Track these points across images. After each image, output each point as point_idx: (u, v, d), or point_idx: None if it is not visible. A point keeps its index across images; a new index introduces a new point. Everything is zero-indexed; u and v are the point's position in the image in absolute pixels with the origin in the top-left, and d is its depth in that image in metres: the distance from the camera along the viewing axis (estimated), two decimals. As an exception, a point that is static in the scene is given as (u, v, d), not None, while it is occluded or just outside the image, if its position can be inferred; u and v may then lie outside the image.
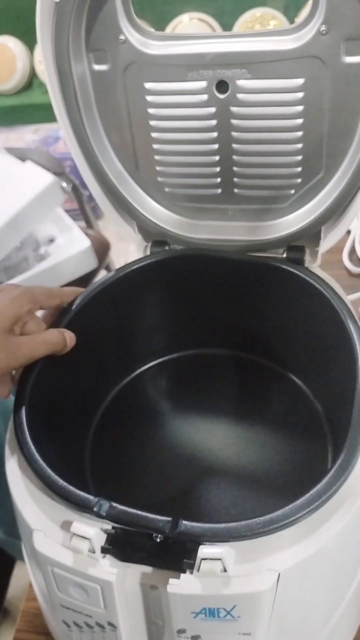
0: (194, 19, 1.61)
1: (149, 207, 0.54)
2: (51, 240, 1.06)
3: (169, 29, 1.66)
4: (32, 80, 2.03)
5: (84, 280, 1.02)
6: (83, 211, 1.26)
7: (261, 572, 0.33)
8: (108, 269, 1.24)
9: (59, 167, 1.11)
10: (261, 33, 0.44)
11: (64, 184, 1.10)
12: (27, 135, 1.94)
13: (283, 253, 0.52)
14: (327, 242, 0.51)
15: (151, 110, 0.49)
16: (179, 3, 1.63)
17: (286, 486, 0.49)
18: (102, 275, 0.65)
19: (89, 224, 1.29)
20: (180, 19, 1.65)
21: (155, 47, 0.46)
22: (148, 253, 0.56)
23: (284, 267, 0.51)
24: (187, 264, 0.55)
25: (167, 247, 0.56)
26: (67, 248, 1.00)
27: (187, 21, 1.63)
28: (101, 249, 1.19)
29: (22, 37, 1.95)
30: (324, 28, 0.42)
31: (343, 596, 0.39)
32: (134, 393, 0.60)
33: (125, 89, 0.48)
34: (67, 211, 1.08)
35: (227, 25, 1.61)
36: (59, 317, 0.49)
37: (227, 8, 1.59)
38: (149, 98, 0.48)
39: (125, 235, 0.57)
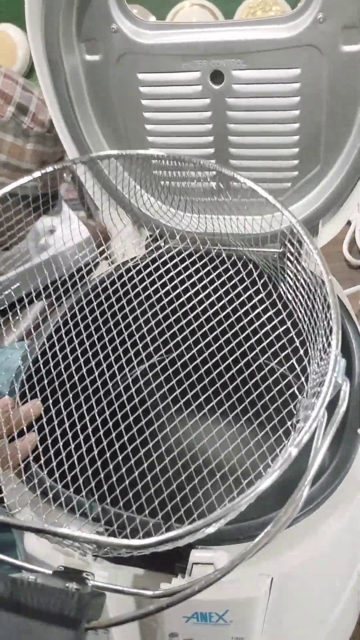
0: (195, 5, 1.58)
1: (144, 201, 0.53)
2: (51, 231, 1.06)
3: (170, 16, 1.64)
4: (33, 68, 2.01)
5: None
6: (83, 201, 1.25)
7: (254, 577, 0.32)
8: (108, 259, 1.23)
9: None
10: (256, 21, 0.43)
11: (64, 175, 1.09)
12: (28, 124, 1.93)
13: (280, 247, 0.51)
14: (324, 236, 0.50)
15: (145, 102, 0.47)
16: (180, -12, 1.60)
17: (286, 488, 0.48)
18: (102, 265, 0.65)
19: (90, 215, 1.28)
20: (182, 5, 1.62)
21: (148, 36, 0.45)
22: (143, 248, 0.55)
23: (279, 264, 0.50)
24: (181, 263, 0.54)
25: (163, 242, 0.54)
26: (67, 239, 1.00)
27: (188, 7, 1.60)
28: (102, 239, 1.18)
29: (22, 25, 1.92)
30: (321, 16, 0.40)
31: (339, 598, 0.39)
32: (127, 396, 0.59)
33: (118, 80, 0.47)
34: (67, 201, 1.07)
35: (228, 11, 1.57)
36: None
37: (229, -7, 1.56)
38: (143, 89, 0.47)
39: (120, 230, 0.56)
